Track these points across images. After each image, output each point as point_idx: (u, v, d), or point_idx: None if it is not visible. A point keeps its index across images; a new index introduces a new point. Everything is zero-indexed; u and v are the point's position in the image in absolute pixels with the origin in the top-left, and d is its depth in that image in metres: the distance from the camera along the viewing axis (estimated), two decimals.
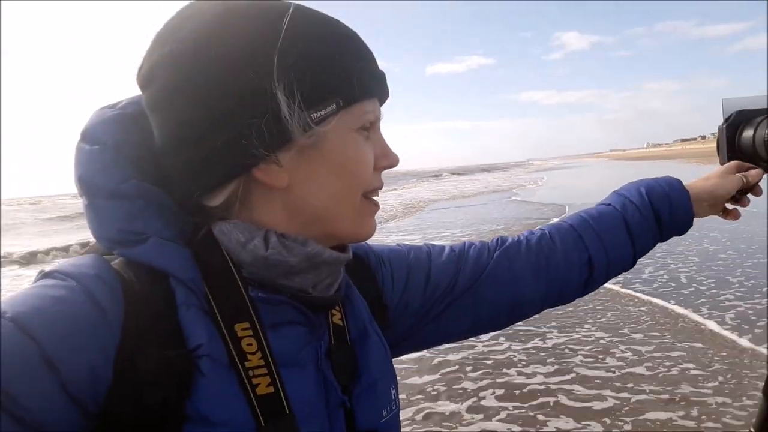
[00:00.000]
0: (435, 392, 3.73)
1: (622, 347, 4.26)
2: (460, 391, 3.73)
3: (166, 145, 0.54)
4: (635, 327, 4.70)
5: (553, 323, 4.87)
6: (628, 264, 0.84)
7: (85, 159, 0.56)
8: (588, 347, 4.32)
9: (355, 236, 0.61)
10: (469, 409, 3.44)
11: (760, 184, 0.85)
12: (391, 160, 0.62)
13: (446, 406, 3.51)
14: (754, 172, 0.85)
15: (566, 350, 4.29)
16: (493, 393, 3.64)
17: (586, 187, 23.02)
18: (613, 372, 3.81)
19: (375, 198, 0.62)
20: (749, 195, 0.87)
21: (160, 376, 0.48)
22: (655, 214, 0.82)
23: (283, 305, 0.57)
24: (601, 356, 4.12)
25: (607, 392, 3.51)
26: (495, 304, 0.78)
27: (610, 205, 0.84)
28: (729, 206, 0.87)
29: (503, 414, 3.34)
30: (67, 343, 0.45)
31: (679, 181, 0.85)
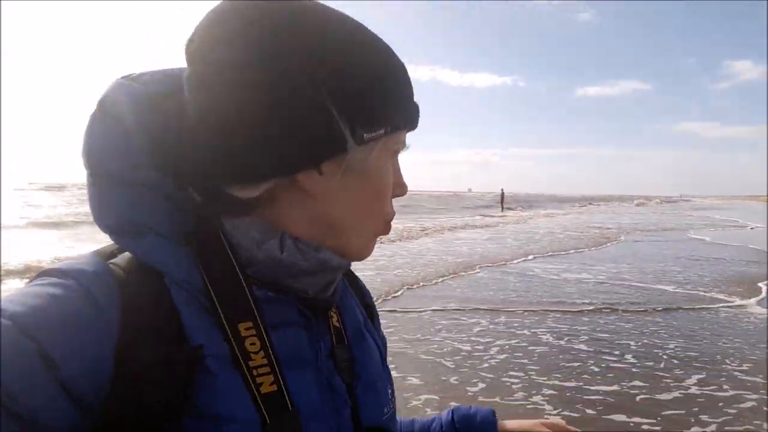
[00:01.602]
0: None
1: None
2: None
3: (208, 124, 0.50)
4: None
5: None
6: None
7: (99, 133, 0.54)
8: None
9: (360, 256, 0.62)
10: None
11: None
12: (403, 190, 0.64)
13: None
14: None
15: None
16: None
17: None
18: None
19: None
20: None
21: (161, 374, 0.48)
22: (456, 429, 0.87)
23: (286, 305, 0.58)
24: None
25: None
26: None
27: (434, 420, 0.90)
28: None
29: None
30: (66, 341, 0.45)
31: (493, 413, 0.88)
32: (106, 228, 0.54)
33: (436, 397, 4.11)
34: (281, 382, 0.53)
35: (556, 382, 4.43)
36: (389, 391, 0.69)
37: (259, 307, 0.54)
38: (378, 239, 0.65)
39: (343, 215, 0.58)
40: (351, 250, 0.60)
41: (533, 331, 5.93)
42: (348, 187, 0.57)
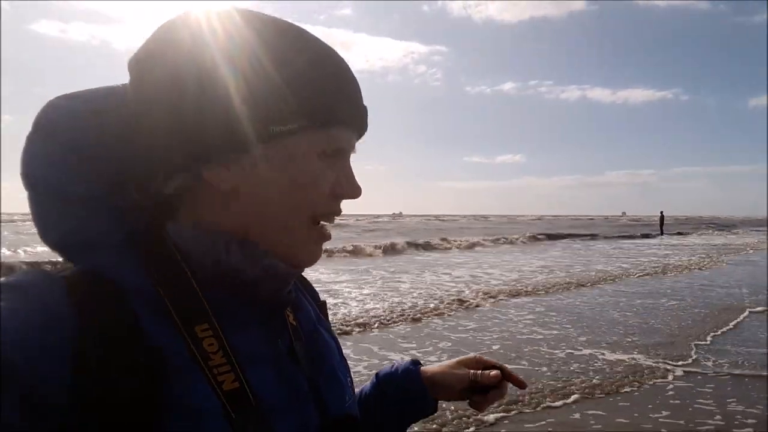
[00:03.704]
0: None
1: None
2: None
3: (138, 129, 0.57)
4: None
5: None
6: None
7: (36, 153, 0.56)
8: None
9: (293, 258, 0.61)
10: None
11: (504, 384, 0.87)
12: (351, 191, 0.63)
13: None
14: (487, 374, 0.87)
15: None
16: None
17: None
18: None
19: (326, 225, 0.63)
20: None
21: (123, 378, 0.49)
22: (382, 391, 0.90)
23: (242, 306, 0.60)
24: None
25: None
26: None
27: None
28: (476, 398, 0.88)
29: None
30: (22, 352, 0.45)
31: (414, 362, 0.92)
32: (54, 245, 0.57)
33: None
34: (242, 379, 0.55)
35: None
36: (348, 379, 0.72)
37: (214, 308, 0.57)
38: (324, 245, 0.66)
39: (262, 210, 0.59)
40: (282, 253, 0.60)
41: None
42: (266, 182, 0.58)
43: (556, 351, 6.19)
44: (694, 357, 5.97)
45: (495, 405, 6.01)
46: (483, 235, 30.77)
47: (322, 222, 0.62)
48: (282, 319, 0.65)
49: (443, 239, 25.02)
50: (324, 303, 0.81)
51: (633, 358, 5.90)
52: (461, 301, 9.17)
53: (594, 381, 5.14)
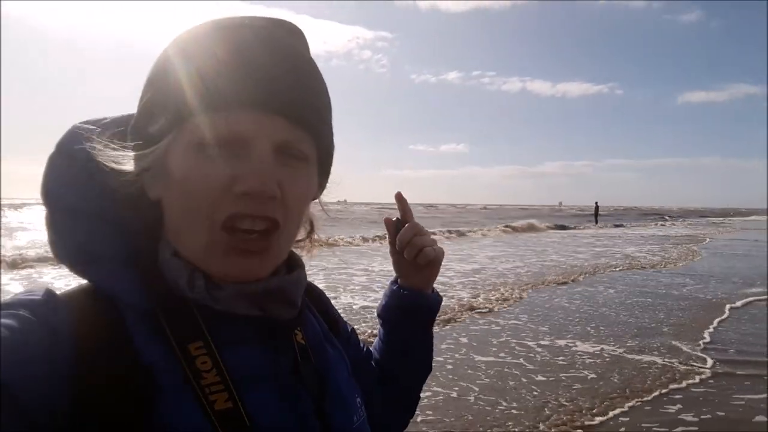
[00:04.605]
0: None
1: None
2: None
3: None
4: None
5: None
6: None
7: (56, 171, 0.60)
8: None
9: (211, 272, 0.57)
10: None
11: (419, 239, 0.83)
12: (247, 184, 0.53)
13: None
14: (402, 235, 0.84)
15: None
16: None
17: None
18: None
19: (246, 229, 0.55)
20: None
21: (116, 395, 0.49)
22: (387, 320, 0.88)
23: (241, 325, 0.58)
24: None
25: None
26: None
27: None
28: (419, 260, 0.84)
29: None
30: (21, 369, 0.46)
31: (394, 281, 0.89)
32: (66, 260, 0.58)
33: None
34: (236, 399, 0.54)
35: None
36: (357, 399, 0.70)
37: (210, 326, 0.56)
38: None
39: (172, 218, 0.58)
40: (201, 265, 0.57)
41: None
42: (164, 188, 0.57)
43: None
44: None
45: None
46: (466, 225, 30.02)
47: (240, 226, 0.54)
48: (287, 336, 0.63)
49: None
50: (338, 317, 0.80)
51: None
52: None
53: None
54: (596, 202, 47.45)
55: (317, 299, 0.78)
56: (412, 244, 0.82)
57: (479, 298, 8.32)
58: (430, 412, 4.06)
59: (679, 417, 4.06)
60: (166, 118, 0.55)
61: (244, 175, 0.53)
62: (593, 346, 5.89)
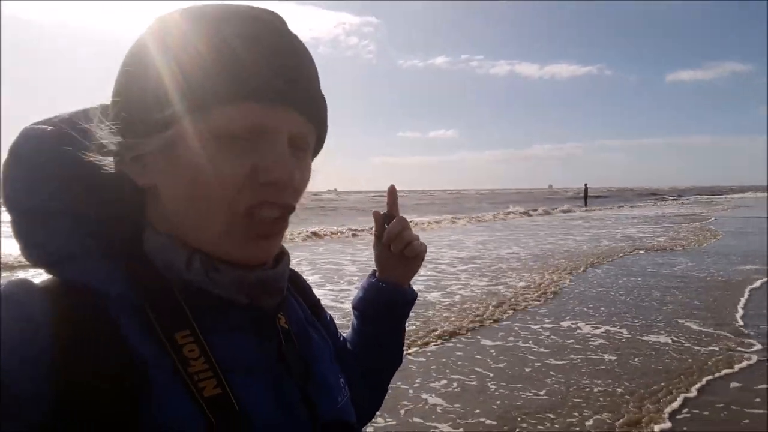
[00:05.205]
0: None
1: None
2: None
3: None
4: None
5: None
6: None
7: (13, 176, 0.58)
8: None
9: (230, 257, 0.57)
10: None
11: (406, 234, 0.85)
12: (273, 174, 0.55)
13: None
14: (389, 230, 0.86)
15: None
16: None
17: None
18: None
19: (266, 216, 0.57)
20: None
21: (104, 385, 0.48)
22: (361, 313, 0.89)
23: (227, 311, 0.59)
24: None
25: None
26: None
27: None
28: (406, 253, 0.86)
29: None
30: (6, 362, 0.46)
31: (372, 274, 0.91)
32: (37, 261, 0.57)
33: None
34: (225, 385, 0.54)
35: None
36: (341, 380, 0.71)
37: (196, 314, 0.56)
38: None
39: (179, 206, 0.57)
40: (215, 252, 0.57)
41: None
42: (170, 176, 0.56)
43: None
44: None
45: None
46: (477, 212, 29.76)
47: (259, 213, 0.56)
48: (271, 323, 0.63)
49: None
50: (317, 302, 0.80)
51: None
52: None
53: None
54: (585, 184, 47.74)
55: (296, 283, 0.79)
56: (400, 238, 0.84)
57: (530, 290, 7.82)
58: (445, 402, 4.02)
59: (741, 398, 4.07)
60: (181, 105, 0.53)
61: (268, 165, 0.55)
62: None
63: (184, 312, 0.56)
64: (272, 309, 0.62)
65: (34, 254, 0.57)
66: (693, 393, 4.21)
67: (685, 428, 3.65)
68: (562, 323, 6.17)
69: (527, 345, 5.41)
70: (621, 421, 3.74)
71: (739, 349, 5.20)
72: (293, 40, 0.59)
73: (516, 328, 6.01)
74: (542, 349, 5.28)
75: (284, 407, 0.60)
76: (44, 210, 0.57)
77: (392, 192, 0.87)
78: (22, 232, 0.57)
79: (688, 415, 3.84)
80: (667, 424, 3.69)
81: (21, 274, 0.65)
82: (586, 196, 45.07)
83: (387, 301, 0.87)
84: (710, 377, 4.51)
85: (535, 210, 30.60)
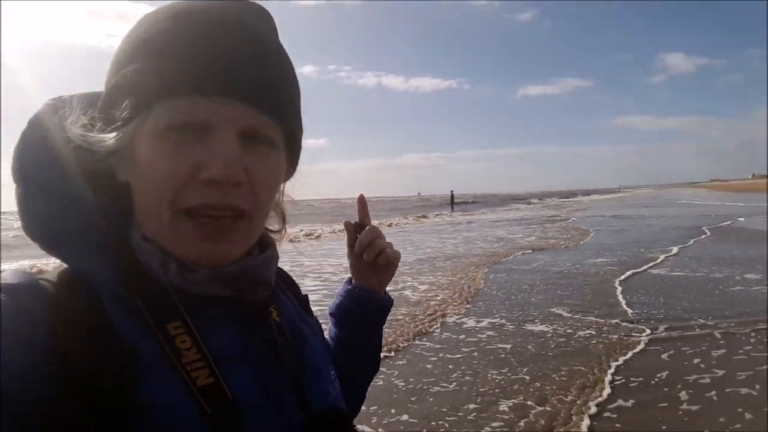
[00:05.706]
0: None
1: None
2: None
3: None
4: None
5: None
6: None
7: (30, 148, 0.58)
8: None
9: (186, 258, 0.56)
10: None
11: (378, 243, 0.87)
12: (212, 170, 0.53)
13: None
14: (361, 239, 0.87)
15: None
16: None
17: None
18: None
19: (205, 220, 0.55)
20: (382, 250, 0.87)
21: (98, 376, 0.48)
22: (340, 319, 0.91)
23: (216, 306, 0.59)
24: None
25: None
26: None
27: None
28: (379, 261, 0.87)
29: None
30: (4, 352, 0.46)
31: (348, 281, 0.92)
32: (37, 238, 0.58)
33: None
34: (217, 375, 0.54)
35: None
36: (332, 372, 0.73)
37: (186, 306, 0.56)
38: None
39: (138, 205, 0.58)
40: (167, 248, 0.57)
41: None
42: (132, 173, 0.57)
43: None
44: None
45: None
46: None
47: (198, 214, 0.54)
48: (262, 316, 0.63)
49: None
50: (305, 298, 0.80)
51: None
52: None
53: None
54: (451, 191, 50.13)
55: (285, 279, 0.79)
56: (372, 246, 0.86)
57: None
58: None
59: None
60: (131, 102, 0.54)
61: (207, 161, 0.53)
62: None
63: (175, 304, 0.56)
64: (261, 301, 0.64)
65: (37, 230, 0.58)
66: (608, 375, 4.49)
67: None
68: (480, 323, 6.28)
69: (422, 343, 5.60)
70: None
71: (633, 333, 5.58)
72: (252, 31, 0.58)
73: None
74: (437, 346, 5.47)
75: (274, 397, 0.60)
76: (54, 186, 0.57)
77: (362, 201, 0.89)
78: (28, 205, 0.58)
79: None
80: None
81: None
82: (452, 202, 47.36)
83: (363, 308, 0.89)
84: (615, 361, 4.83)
85: (409, 216, 31.28)
